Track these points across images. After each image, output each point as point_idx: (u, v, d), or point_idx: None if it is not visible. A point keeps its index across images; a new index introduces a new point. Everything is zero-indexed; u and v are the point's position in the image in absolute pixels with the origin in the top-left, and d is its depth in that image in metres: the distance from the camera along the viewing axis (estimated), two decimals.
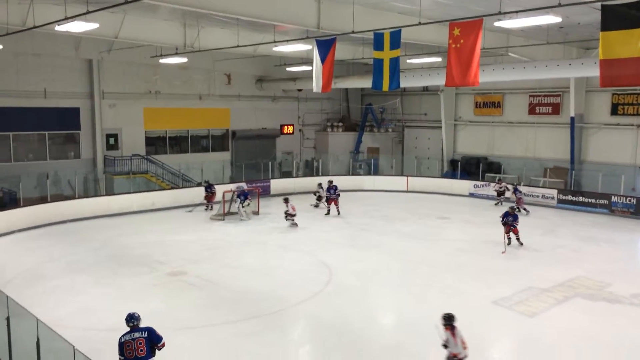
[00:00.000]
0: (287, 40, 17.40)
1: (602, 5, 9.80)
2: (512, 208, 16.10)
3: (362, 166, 30.48)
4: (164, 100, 26.52)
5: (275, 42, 17.00)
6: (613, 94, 23.58)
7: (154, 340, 7.10)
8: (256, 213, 20.70)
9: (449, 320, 7.67)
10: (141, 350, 6.97)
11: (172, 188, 24.05)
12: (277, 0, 14.11)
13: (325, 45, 14.55)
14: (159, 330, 7.28)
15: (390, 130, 32.49)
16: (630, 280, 13.15)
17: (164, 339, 7.21)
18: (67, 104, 23.70)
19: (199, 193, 21.90)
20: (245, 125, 29.57)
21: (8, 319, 7.79)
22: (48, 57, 22.68)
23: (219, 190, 21.07)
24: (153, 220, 19.87)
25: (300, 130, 32.44)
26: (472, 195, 25.02)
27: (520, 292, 12.13)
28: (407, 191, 26.23)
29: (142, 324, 7.24)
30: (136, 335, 7.05)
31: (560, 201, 22.47)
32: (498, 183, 23.33)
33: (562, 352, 9.38)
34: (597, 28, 10.12)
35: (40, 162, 23.04)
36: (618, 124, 23.64)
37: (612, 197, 21.08)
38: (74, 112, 24.03)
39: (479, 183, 25.14)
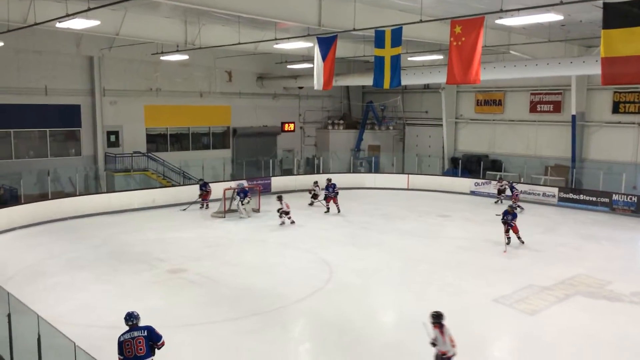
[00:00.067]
0: (288, 38, 17.38)
1: (604, 3, 9.77)
2: (511, 207, 16.09)
3: (363, 164, 30.49)
4: (164, 97, 26.51)
5: (276, 39, 16.98)
6: (614, 92, 23.54)
7: (153, 339, 7.06)
8: (257, 210, 20.70)
9: (437, 319, 7.60)
10: (140, 349, 6.93)
11: (172, 185, 24.07)
12: None
13: (327, 43, 14.53)
14: (159, 328, 7.27)
15: (391, 128, 32.47)
16: (631, 278, 13.14)
17: (164, 337, 7.19)
18: (68, 101, 23.68)
19: (198, 191, 21.88)
20: (246, 122, 29.56)
21: (9, 315, 7.81)
22: (49, 54, 22.67)
23: (219, 187, 21.05)
24: (153, 218, 19.88)
25: (301, 127, 32.43)
26: (472, 193, 25.01)
27: (521, 290, 12.12)
28: (408, 189, 26.22)
29: (143, 321, 7.22)
30: (135, 334, 7.00)
31: (561, 199, 22.45)
32: (499, 181, 23.33)
33: (562, 350, 9.38)
34: (599, 26, 10.09)
35: (41, 159, 23.04)
36: (619, 122, 23.61)
37: (613, 195, 21.07)
38: (75, 110, 24.03)
39: (479, 181, 25.13)
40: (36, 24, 14.34)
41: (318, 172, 26.97)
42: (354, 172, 28.76)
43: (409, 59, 22.26)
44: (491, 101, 28.26)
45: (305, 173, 28.38)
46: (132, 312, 7.16)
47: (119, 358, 6.99)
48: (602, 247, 16.36)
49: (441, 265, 14.09)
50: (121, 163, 24.18)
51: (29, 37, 20.28)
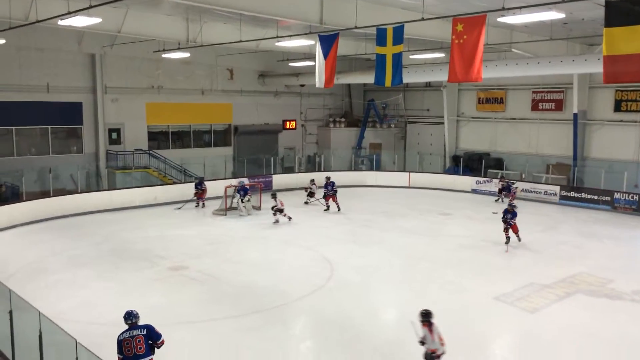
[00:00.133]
0: (290, 36, 17.38)
1: (606, 1, 9.75)
2: (510, 206, 16.09)
3: (364, 162, 30.47)
4: (166, 95, 26.51)
5: (278, 37, 16.98)
6: (616, 91, 23.50)
7: (153, 338, 7.03)
8: (258, 208, 20.70)
9: (426, 317, 7.55)
10: (140, 348, 6.89)
11: (174, 183, 24.08)
12: None
13: (328, 41, 14.53)
14: (160, 325, 7.28)
15: (392, 126, 32.45)
16: (632, 276, 13.14)
17: (165, 335, 7.17)
18: (70, 98, 23.70)
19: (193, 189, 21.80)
20: (247, 120, 29.56)
21: (11, 312, 7.83)
22: (51, 51, 22.68)
23: (220, 185, 21.04)
24: (155, 215, 19.89)
25: (302, 125, 32.41)
26: (474, 191, 25.01)
27: (522, 288, 12.12)
28: (409, 187, 26.20)
29: (145, 319, 7.21)
30: (135, 332, 6.96)
31: (562, 197, 22.43)
32: (501, 180, 23.32)
33: (563, 348, 9.39)
34: (601, 24, 10.07)
35: (43, 157, 23.07)
36: (621, 121, 23.57)
37: (615, 193, 21.05)
38: (77, 107, 24.05)
39: (481, 179, 25.12)
40: (38, 21, 14.36)
41: (319, 170, 26.98)
42: (355, 170, 28.75)
43: (411, 56, 22.24)
44: (493, 99, 28.22)
45: (307, 171, 28.36)
46: (132, 311, 7.12)
47: (118, 357, 6.95)
48: (604, 245, 16.35)
49: (442, 263, 14.10)
50: (123, 160, 24.19)
51: (30, 35, 20.29)
